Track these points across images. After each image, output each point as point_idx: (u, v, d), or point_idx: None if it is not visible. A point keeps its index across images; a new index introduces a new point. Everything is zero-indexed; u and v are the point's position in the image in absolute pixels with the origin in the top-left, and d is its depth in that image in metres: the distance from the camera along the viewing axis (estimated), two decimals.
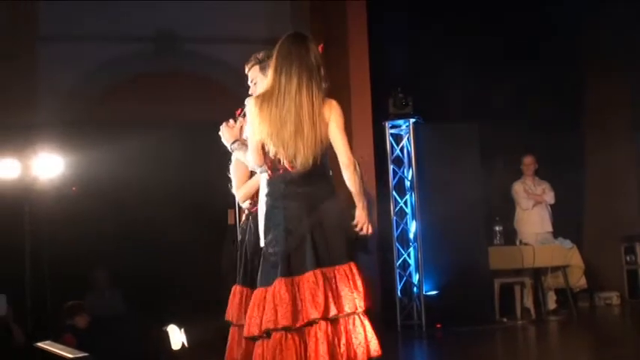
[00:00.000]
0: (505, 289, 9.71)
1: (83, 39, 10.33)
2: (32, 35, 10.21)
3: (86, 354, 5.26)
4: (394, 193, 9.78)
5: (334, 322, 3.87)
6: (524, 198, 10.23)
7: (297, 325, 3.82)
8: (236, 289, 5.30)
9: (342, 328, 3.88)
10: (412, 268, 9.74)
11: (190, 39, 10.67)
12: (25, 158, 8.36)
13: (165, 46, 10.63)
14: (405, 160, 9.85)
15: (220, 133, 4.56)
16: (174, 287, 8.84)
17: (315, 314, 3.80)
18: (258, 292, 3.97)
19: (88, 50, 10.35)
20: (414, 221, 9.69)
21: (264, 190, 4.21)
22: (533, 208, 10.20)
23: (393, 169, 9.82)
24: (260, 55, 4.64)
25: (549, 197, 10.20)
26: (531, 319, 9.64)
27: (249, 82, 4.70)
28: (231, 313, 5.39)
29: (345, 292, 3.88)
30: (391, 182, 9.76)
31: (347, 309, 3.88)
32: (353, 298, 3.89)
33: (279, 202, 3.96)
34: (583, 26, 10.66)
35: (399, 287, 9.68)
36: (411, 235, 9.76)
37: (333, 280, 3.89)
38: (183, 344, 7.88)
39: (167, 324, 8.05)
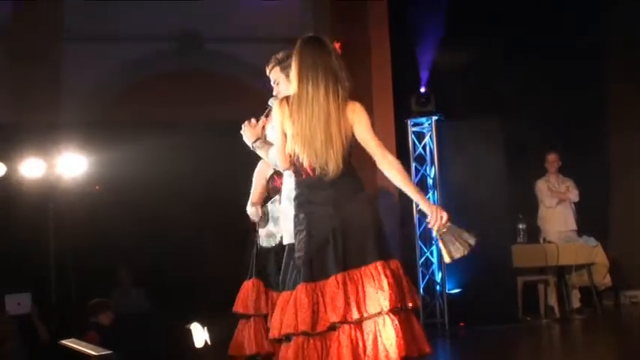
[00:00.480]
0: (529, 287, 9.67)
1: (107, 39, 10.39)
2: (57, 35, 10.27)
3: (110, 352, 5.30)
4: None
5: (360, 324, 3.84)
6: (547, 196, 10.16)
7: (318, 330, 3.80)
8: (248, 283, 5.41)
9: (370, 330, 3.84)
10: (435, 266, 9.71)
11: (213, 38, 10.70)
12: (49, 157, 8.43)
13: (188, 45, 10.66)
14: (428, 157, 9.82)
15: (242, 131, 4.56)
16: (198, 285, 8.87)
17: (334, 318, 3.77)
18: (284, 295, 3.97)
19: (111, 50, 10.40)
20: None
21: (290, 193, 4.21)
22: (556, 206, 10.13)
23: (415, 167, 9.80)
24: (279, 56, 4.64)
25: (573, 195, 10.13)
26: (555, 318, 9.58)
27: (271, 83, 4.70)
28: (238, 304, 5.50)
29: (370, 292, 3.83)
30: (414, 180, 9.74)
31: (371, 310, 3.81)
32: (378, 298, 3.83)
33: (303, 208, 3.96)
34: (608, 22, 10.59)
35: (422, 285, 9.66)
36: (434, 233, 9.70)
37: (360, 282, 3.85)
38: (206, 342, 7.90)
39: (190, 322, 8.09)
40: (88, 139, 8.72)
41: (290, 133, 3.94)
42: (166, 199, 8.89)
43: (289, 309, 3.84)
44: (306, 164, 3.92)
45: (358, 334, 3.80)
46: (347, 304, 3.78)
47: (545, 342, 8.91)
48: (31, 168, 8.35)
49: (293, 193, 4.12)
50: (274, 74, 4.65)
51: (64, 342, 5.90)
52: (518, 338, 8.84)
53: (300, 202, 3.98)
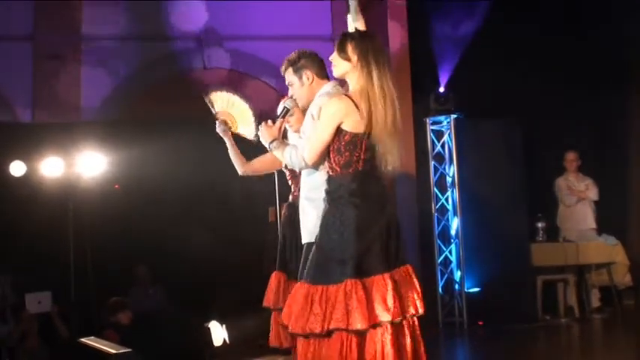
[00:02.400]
0: (548, 286, 9.63)
1: (126, 38, 10.44)
2: (76, 35, 10.33)
3: (129, 350, 5.32)
4: (435, 189, 9.74)
5: (399, 324, 3.84)
6: (566, 194, 10.12)
7: (364, 328, 3.78)
8: (274, 276, 5.41)
9: (407, 330, 3.86)
10: (454, 265, 9.69)
11: (232, 37, 10.73)
12: (68, 156, 8.47)
13: (207, 44, 10.69)
14: (446, 156, 9.80)
15: (259, 132, 4.57)
16: (217, 284, 8.88)
17: (386, 317, 3.76)
18: (313, 288, 3.86)
19: (130, 49, 10.45)
20: (456, 218, 9.64)
21: (309, 192, 4.20)
22: (576, 205, 10.09)
23: (434, 165, 9.78)
24: (291, 57, 4.63)
25: (593, 194, 10.07)
26: (575, 318, 9.52)
27: (287, 84, 4.70)
28: (269, 298, 5.50)
29: (408, 293, 3.87)
30: (432, 179, 9.72)
31: (411, 310, 3.86)
32: (414, 299, 3.88)
33: (346, 200, 3.89)
34: (629, 18, 10.52)
35: (441, 284, 9.64)
36: (453, 232, 9.71)
37: (400, 282, 3.87)
38: (224, 340, 7.92)
39: (209, 320, 8.11)
40: (107, 138, 8.76)
41: (363, 128, 3.89)
42: (186, 197, 8.91)
43: (338, 304, 3.76)
44: (379, 156, 3.90)
45: (398, 333, 3.83)
46: (395, 303, 3.79)
47: (564, 342, 8.87)
48: (51, 167, 8.39)
49: (313, 193, 4.10)
50: (288, 76, 4.64)
51: (84, 340, 5.94)
52: (537, 338, 8.80)
53: (340, 195, 3.91)
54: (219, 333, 8.07)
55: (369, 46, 3.95)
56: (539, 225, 9.76)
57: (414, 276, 3.94)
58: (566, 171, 10.23)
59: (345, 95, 3.96)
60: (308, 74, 4.56)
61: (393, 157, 3.91)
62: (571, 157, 10.17)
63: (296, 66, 4.58)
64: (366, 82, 3.91)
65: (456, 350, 8.77)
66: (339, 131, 3.92)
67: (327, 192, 3.98)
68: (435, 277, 9.60)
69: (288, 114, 4.52)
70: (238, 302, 7.89)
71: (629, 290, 10.35)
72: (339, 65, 4.02)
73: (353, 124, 3.90)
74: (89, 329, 6.99)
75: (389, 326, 3.79)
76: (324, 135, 3.96)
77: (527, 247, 9.48)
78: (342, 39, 4.02)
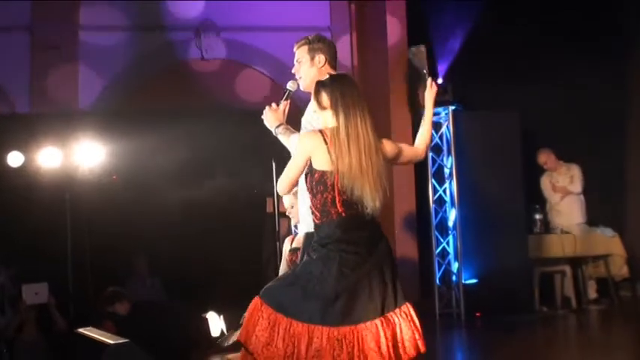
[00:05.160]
0: (545, 277, 9.64)
1: (124, 29, 10.42)
2: (74, 25, 10.31)
3: (126, 340, 5.33)
4: (433, 181, 9.74)
5: None
6: (551, 193, 10.05)
7: None
8: None
9: None
10: (451, 256, 9.70)
11: (229, 28, 10.71)
12: (66, 147, 8.46)
13: (204, 35, 10.68)
14: (445, 147, 9.80)
15: (263, 116, 4.56)
16: (214, 275, 8.89)
17: None
18: (285, 321, 3.81)
19: (128, 39, 10.43)
20: (454, 209, 9.65)
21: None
22: (563, 201, 10.02)
23: (432, 157, 9.77)
24: (311, 37, 4.65)
25: (575, 187, 9.92)
26: (572, 309, 9.54)
27: (294, 61, 4.70)
28: None
29: (408, 335, 3.85)
30: (430, 170, 9.72)
31: (412, 351, 3.84)
32: (415, 339, 3.86)
33: (333, 246, 3.86)
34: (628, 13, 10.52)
35: (438, 276, 9.65)
36: (450, 224, 9.72)
37: (398, 324, 3.85)
38: (222, 331, 7.94)
39: (207, 311, 8.12)
40: (105, 129, 8.74)
41: (330, 166, 3.86)
42: (184, 188, 8.91)
43: (310, 348, 3.74)
44: (355, 197, 3.85)
45: None
46: (389, 349, 3.78)
47: (561, 333, 8.89)
48: (49, 158, 8.38)
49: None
50: (300, 53, 4.63)
51: (81, 330, 5.94)
52: (535, 329, 8.83)
53: (327, 242, 3.87)
54: (216, 323, 8.08)
55: (338, 90, 3.95)
56: (537, 217, 9.76)
57: (414, 314, 3.89)
58: (547, 169, 10.16)
59: (320, 131, 3.96)
60: (321, 58, 4.57)
61: (367, 200, 3.84)
62: (543, 159, 10.03)
63: (313, 45, 4.59)
64: (336, 123, 3.92)
65: (453, 341, 8.78)
66: (311, 170, 3.93)
67: (316, 240, 3.95)
68: (433, 268, 9.61)
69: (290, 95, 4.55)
70: (236, 293, 7.89)
71: (626, 282, 10.36)
72: (320, 115, 4.04)
73: (320, 162, 3.90)
74: (87, 320, 6.98)
75: None
76: (293, 166, 4.00)
77: (524, 239, 9.48)
78: (316, 88, 4.05)
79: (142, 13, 10.44)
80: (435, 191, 9.76)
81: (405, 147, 4.21)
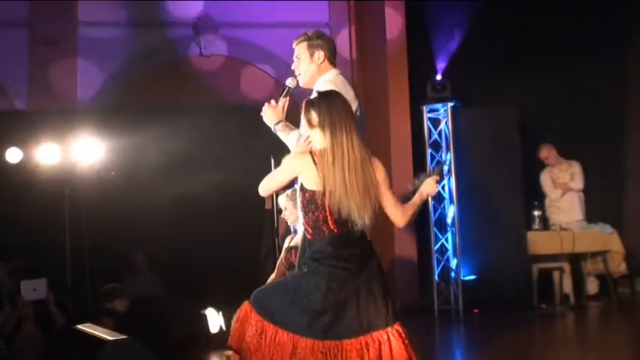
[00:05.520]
0: (544, 274, 9.64)
1: (123, 25, 10.40)
2: (73, 21, 10.29)
3: (124, 336, 5.33)
4: None
5: None
6: (551, 189, 10.06)
7: None
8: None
9: None
10: (450, 252, 9.70)
11: (228, 24, 10.70)
12: (65, 143, 8.45)
13: (203, 31, 10.66)
14: (443, 144, 9.80)
15: (263, 113, 4.56)
16: (213, 271, 8.89)
17: None
18: (271, 329, 3.86)
19: (127, 36, 10.42)
20: (452, 206, 9.65)
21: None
22: (562, 197, 10.03)
23: (431, 153, 9.78)
24: (311, 33, 4.65)
25: (576, 184, 9.96)
26: (570, 305, 9.55)
27: (294, 58, 4.70)
28: None
29: (399, 354, 3.84)
30: (429, 167, 9.71)
31: None
32: (407, 357, 3.86)
33: (324, 262, 3.88)
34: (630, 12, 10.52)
35: (437, 272, 9.66)
36: (449, 220, 9.72)
37: (387, 344, 3.84)
38: (221, 327, 7.95)
39: (205, 307, 8.12)
40: (104, 125, 8.74)
41: (320, 186, 3.87)
42: (183, 184, 8.90)
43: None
44: (344, 216, 3.85)
45: None
46: None
47: (559, 329, 8.89)
48: (47, 154, 8.38)
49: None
50: (299, 49, 4.63)
51: (80, 327, 5.95)
52: (533, 325, 8.83)
53: (317, 258, 3.89)
54: (215, 320, 8.09)
55: (325, 107, 3.94)
56: (536, 213, 9.77)
57: (404, 332, 3.89)
58: (548, 165, 10.17)
59: (310, 152, 3.96)
60: (320, 54, 4.58)
61: (355, 218, 3.84)
62: (544, 154, 10.05)
63: (312, 42, 4.60)
64: (324, 142, 3.92)
65: (451, 338, 8.79)
66: (302, 189, 3.95)
67: (307, 255, 3.96)
68: (432, 264, 9.62)
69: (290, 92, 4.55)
70: (235, 289, 7.89)
71: (625, 278, 10.37)
72: (311, 135, 4.02)
73: (310, 182, 3.91)
74: (85, 316, 6.98)
75: None
76: (276, 180, 4.05)
77: (523, 236, 9.49)
78: (305, 107, 4.02)
79: (140, 9, 10.42)
80: None
81: (392, 198, 4.02)
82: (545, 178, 10.10)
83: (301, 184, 3.95)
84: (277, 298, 3.91)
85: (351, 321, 3.82)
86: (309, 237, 3.97)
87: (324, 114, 3.91)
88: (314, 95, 4.45)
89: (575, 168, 10.01)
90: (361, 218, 3.84)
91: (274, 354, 3.80)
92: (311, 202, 3.91)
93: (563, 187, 9.97)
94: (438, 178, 4.14)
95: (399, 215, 4.01)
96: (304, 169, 3.92)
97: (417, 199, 4.10)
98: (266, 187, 4.07)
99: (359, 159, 3.87)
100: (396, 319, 3.90)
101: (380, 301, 3.88)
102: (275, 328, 3.84)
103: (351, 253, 3.89)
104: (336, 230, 3.89)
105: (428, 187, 4.11)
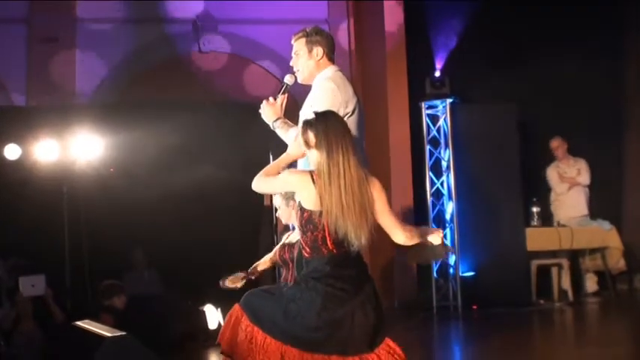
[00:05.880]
0: (542, 270, 9.65)
1: (121, 21, 10.40)
2: (72, 17, 10.28)
3: (123, 333, 5.33)
4: (430, 174, 9.75)
5: None
6: (557, 183, 10.10)
7: None
8: None
9: None
10: None
11: (228, 20, 10.69)
12: (63, 140, 8.45)
13: (203, 28, 10.65)
14: (442, 140, 9.79)
15: (261, 110, 4.56)
16: (212, 267, 8.88)
17: None
18: (260, 335, 3.89)
19: (126, 32, 10.41)
20: (451, 202, 9.66)
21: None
22: (568, 192, 10.07)
23: (430, 149, 9.78)
24: (309, 29, 4.64)
25: (583, 179, 10.05)
26: (568, 302, 9.55)
27: (292, 54, 4.69)
28: None
29: None
30: (427, 163, 9.72)
31: None
32: None
33: (322, 281, 3.87)
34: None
35: (435, 268, 9.65)
36: (448, 216, 9.73)
37: None
38: (219, 324, 7.94)
39: (204, 304, 8.12)
40: (103, 121, 8.73)
41: (318, 206, 3.86)
42: (182, 180, 8.89)
43: None
44: (341, 236, 3.84)
45: None
46: None
47: (557, 325, 8.90)
48: (46, 150, 8.37)
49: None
50: (297, 45, 4.63)
51: (79, 323, 5.94)
52: (531, 322, 8.84)
53: (316, 277, 3.89)
54: (214, 316, 8.09)
55: (322, 128, 3.92)
56: (534, 210, 9.78)
57: (396, 346, 3.91)
58: (556, 158, 10.21)
59: (310, 172, 3.95)
60: (319, 50, 4.58)
61: (351, 238, 3.83)
62: (555, 144, 10.13)
63: (310, 38, 4.59)
64: (321, 161, 3.89)
65: (450, 334, 8.79)
66: (301, 208, 3.93)
67: (304, 272, 3.96)
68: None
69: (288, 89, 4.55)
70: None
71: (623, 275, 10.39)
72: (309, 155, 4.01)
73: (308, 202, 3.90)
74: (84, 313, 6.98)
75: None
76: (271, 185, 4.07)
77: (521, 232, 9.49)
78: (303, 128, 4.00)
79: (139, 5, 10.42)
80: (433, 184, 9.76)
81: (391, 216, 3.98)
82: (552, 173, 10.15)
83: (299, 204, 3.93)
84: (270, 307, 3.92)
85: (344, 340, 3.82)
86: (306, 255, 3.95)
87: (321, 134, 3.89)
88: (313, 89, 4.45)
89: (582, 164, 10.12)
90: (357, 238, 3.82)
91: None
92: (309, 222, 3.89)
93: (570, 182, 10.03)
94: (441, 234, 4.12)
95: (398, 232, 3.98)
96: (302, 188, 3.91)
97: (424, 237, 4.08)
98: (259, 186, 4.07)
99: (355, 178, 3.85)
100: (384, 336, 3.92)
101: (372, 326, 3.87)
102: (264, 335, 3.87)
103: (349, 274, 3.89)
104: (335, 250, 3.88)
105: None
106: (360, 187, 3.86)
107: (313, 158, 3.95)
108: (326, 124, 3.94)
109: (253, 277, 5.10)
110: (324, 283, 3.85)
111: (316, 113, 4.05)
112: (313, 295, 3.84)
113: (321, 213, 3.85)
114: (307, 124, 3.99)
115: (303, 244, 3.95)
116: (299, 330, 3.83)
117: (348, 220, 3.81)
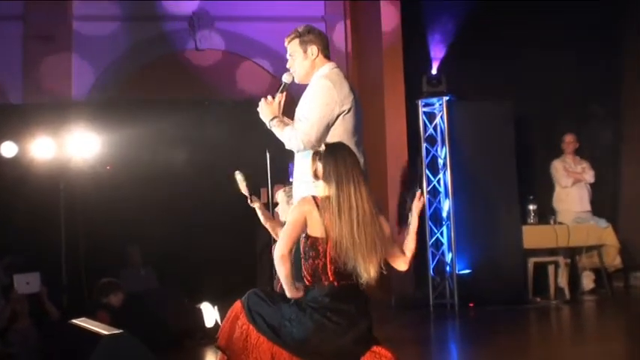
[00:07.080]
0: (539, 268, 9.65)
1: (117, 19, 10.38)
2: (67, 15, 10.27)
3: (120, 331, 5.32)
4: (427, 171, 9.74)
5: None
6: (563, 175, 10.12)
7: None
8: None
9: None
10: (445, 247, 9.71)
11: (224, 18, 10.68)
12: (60, 137, 8.44)
13: (199, 25, 10.64)
14: (439, 138, 9.79)
15: (259, 109, 4.55)
16: (208, 265, 8.88)
17: None
18: (255, 334, 3.92)
19: (122, 29, 10.40)
20: (447, 200, 9.66)
21: (302, 176, 4.16)
22: (572, 187, 10.10)
23: (426, 147, 9.77)
24: (301, 29, 4.62)
25: (589, 176, 10.10)
26: (565, 299, 9.55)
27: (287, 56, 4.68)
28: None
29: None
30: (424, 161, 9.72)
31: None
32: None
33: (319, 311, 3.88)
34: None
35: (432, 266, 9.66)
36: (444, 214, 9.72)
37: None
38: (216, 322, 7.94)
39: (201, 302, 8.12)
40: (99, 119, 8.72)
41: (322, 233, 3.86)
42: (179, 178, 8.90)
43: None
44: (349, 268, 3.84)
45: None
46: None
47: (554, 323, 8.91)
48: (42, 148, 8.36)
49: (307, 176, 4.05)
50: (292, 47, 4.61)
51: (75, 321, 5.93)
52: (528, 319, 8.84)
53: (315, 307, 3.89)
54: (211, 314, 8.09)
55: (332, 160, 3.93)
56: (531, 207, 9.78)
57: (390, 353, 3.91)
58: (564, 153, 10.23)
59: (313, 197, 3.95)
60: (314, 49, 4.56)
61: (361, 271, 3.83)
62: (569, 139, 10.18)
63: (303, 38, 4.57)
64: (330, 192, 3.89)
65: (446, 332, 8.80)
66: (305, 234, 3.93)
67: (303, 300, 3.95)
68: (427, 259, 9.61)
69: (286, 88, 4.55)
70: (230, 283, 7.90)
71: (619, 272, 10.40)
72: (316, 185, 4.01)
73: (313, 228, 3.89)
74: (81, 310, 6.97)
75: None
76: (291, 235, 3.92)
77: (518, 230, 9.49)
78: (312, 159, 4.01)
79: (136, 2, 10.40)
80: (429, 182, 9.76)
81: (396, 249, 4.09)
82: (559, 166, 10.17)
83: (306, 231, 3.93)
84: (267, 314, 3.94)
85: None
86: (307, 284, 3.96)
87: (330, 166, 3.90)
88: (310, 86, 4.45)
89: (586, 164, 10.19)
90: (367, 272, 3.82)
91: (256, 358, 3.87)
92: (312, 249, 3.89)
93: (575, 176, 10.07)
94: (422, 196, 4.18)
95: (402, 263, 4.09)
96: (309, 217, 3.90)
97: (413, 226, 4.16)
98: (282, 247, 3.92)
99: (368, 213, 3.86)
100: (374, 342, 3.93)
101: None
102: (258, 334, 3.90)
103: (347, 309, 3.88)
104: (336, 283, 3.88)
105: (417, 206, 4.21)
106: (373, 221, 3.87)
107: (321, 189, 3.95)
108: (336, 155, 3.94)
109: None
110: (321, 314, 3.86)
111: (325, 144, 4.05)
112: (308, 322, 3.85)
113: (324, 240, 3.85)
114: (317, 155, 3.99)
115: (304, 272, 3.95)
116: (290, 342, 3.86)
117: (359, 253, 3.82)
